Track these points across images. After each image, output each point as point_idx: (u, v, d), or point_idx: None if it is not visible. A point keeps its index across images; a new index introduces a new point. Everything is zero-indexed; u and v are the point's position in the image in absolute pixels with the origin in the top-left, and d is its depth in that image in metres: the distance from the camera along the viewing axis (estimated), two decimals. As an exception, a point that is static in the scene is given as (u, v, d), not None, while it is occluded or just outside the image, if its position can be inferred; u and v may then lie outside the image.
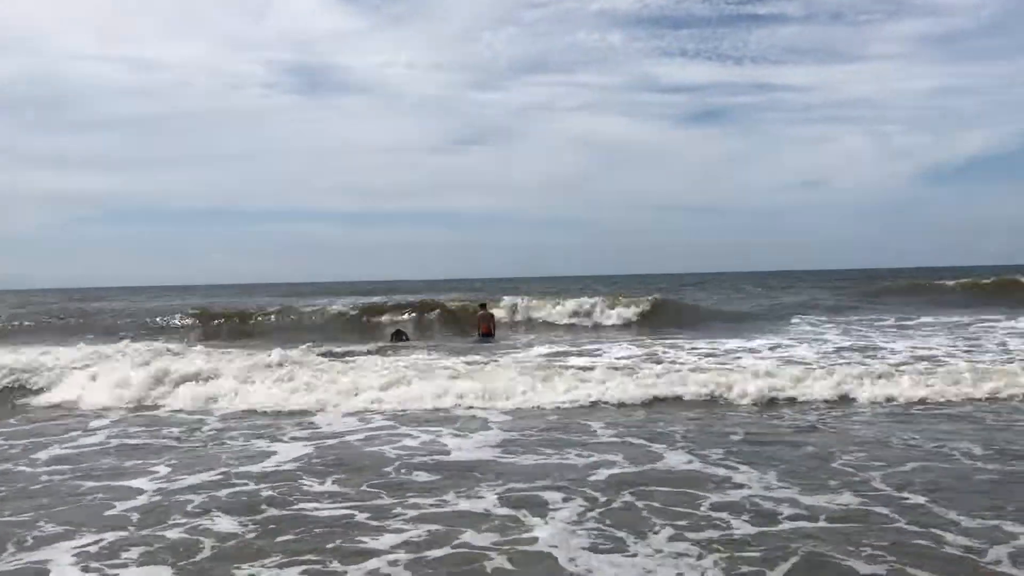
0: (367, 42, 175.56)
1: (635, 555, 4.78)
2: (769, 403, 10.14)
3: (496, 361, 12.85)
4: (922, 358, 13.37)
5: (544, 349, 16.23)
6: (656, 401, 10.26)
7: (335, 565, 4.71)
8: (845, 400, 10.17)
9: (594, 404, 10.18)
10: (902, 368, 11.66)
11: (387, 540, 5.10)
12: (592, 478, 6.56)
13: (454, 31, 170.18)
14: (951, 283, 33.34)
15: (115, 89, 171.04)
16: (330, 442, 8.34)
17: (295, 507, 5.90)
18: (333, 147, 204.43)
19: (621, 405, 10.11)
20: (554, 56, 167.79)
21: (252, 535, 5.28)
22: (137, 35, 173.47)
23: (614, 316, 24.16)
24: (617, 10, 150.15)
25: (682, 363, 13.04)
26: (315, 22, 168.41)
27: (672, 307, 25.92)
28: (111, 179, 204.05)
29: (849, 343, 16.42)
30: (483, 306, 21.83)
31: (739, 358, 13.75)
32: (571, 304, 25.02)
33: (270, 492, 6.32)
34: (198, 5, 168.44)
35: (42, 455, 7.97)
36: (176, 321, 24.04)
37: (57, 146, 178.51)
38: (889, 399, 10.04)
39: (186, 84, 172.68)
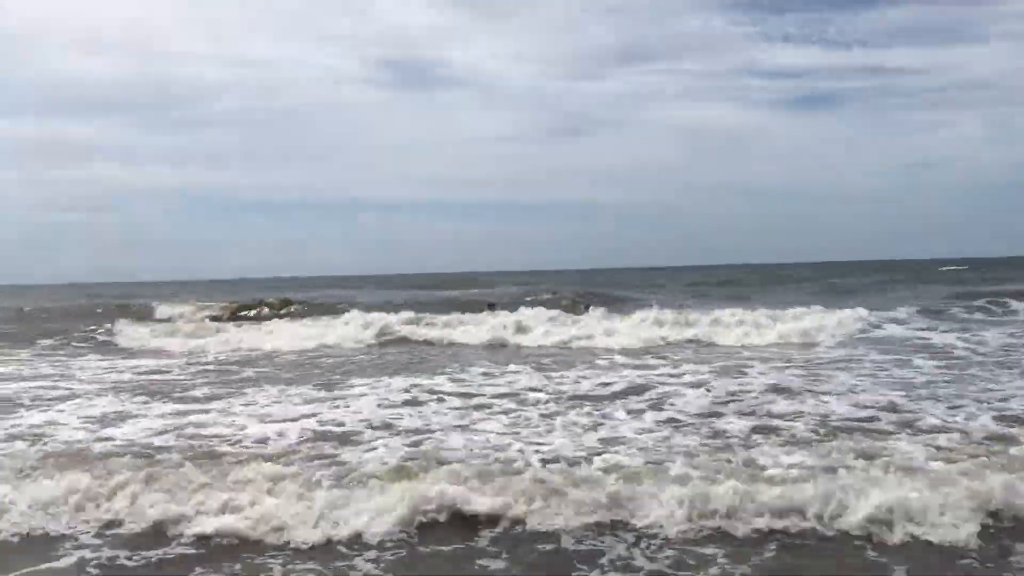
0: (467, 36, 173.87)
1: None
2: None
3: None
4: None
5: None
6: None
7: None
8: None
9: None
10: None
11: None
12: None
13: (555, 22, 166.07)
14: None
15: (222, 87, 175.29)
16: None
17: None
18: (434, 139, 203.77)
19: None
20: (656, 44, 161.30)
21: None
22: (241, 34, 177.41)
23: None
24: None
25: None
26: (415, 18, 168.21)
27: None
28: (219, 175, 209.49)
29: None
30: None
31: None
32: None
33: None
34: (301, 4, 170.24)
35: None
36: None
37: (169, 144, 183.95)
38: None
39: (290, 81, 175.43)
